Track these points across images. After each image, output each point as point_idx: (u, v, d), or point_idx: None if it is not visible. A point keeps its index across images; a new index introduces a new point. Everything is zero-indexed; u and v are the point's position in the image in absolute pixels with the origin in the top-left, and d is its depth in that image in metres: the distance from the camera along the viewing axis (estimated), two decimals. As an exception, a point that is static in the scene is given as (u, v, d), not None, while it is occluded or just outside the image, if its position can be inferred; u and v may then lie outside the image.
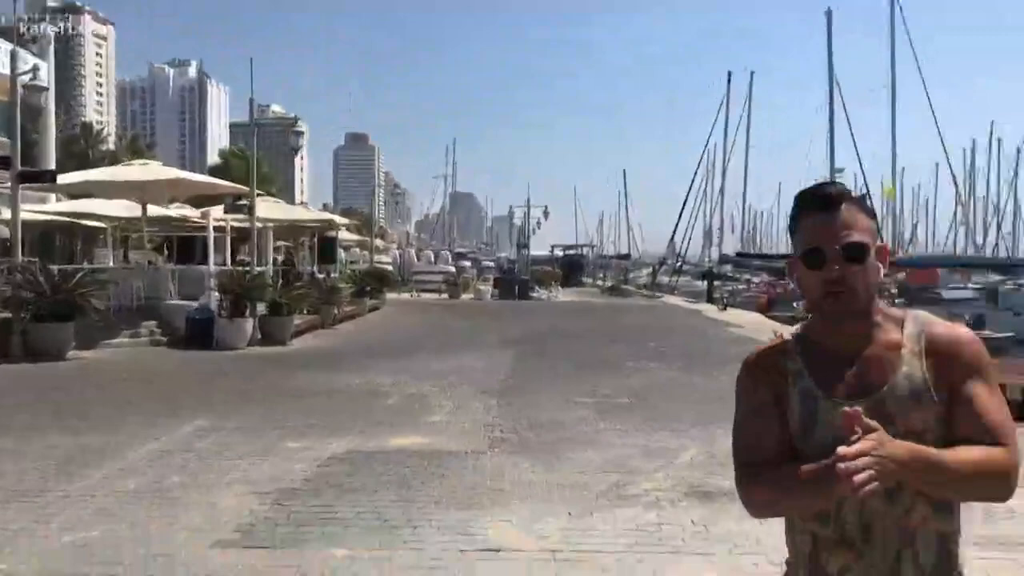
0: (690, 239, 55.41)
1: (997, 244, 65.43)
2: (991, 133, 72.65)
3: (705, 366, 12.87)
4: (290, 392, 10.65)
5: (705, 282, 39.83)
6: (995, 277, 37.34)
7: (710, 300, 33.96)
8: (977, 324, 25.54)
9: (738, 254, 51.92)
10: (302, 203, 42.23)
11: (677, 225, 54.43)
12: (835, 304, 1.58)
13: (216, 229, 20.54)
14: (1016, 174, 69.84)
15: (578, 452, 7.31)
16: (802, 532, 1.63)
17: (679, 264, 53.97)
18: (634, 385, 11.33)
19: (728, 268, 47.70)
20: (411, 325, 21.97)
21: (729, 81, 53.42)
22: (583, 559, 4.62)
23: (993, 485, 1.53)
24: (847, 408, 1.44)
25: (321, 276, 24.06)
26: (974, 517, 5.22)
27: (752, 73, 53.15)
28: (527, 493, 5.99)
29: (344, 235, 34.59)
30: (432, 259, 49.40)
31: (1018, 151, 70.00)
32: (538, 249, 59.98)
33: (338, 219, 30.59)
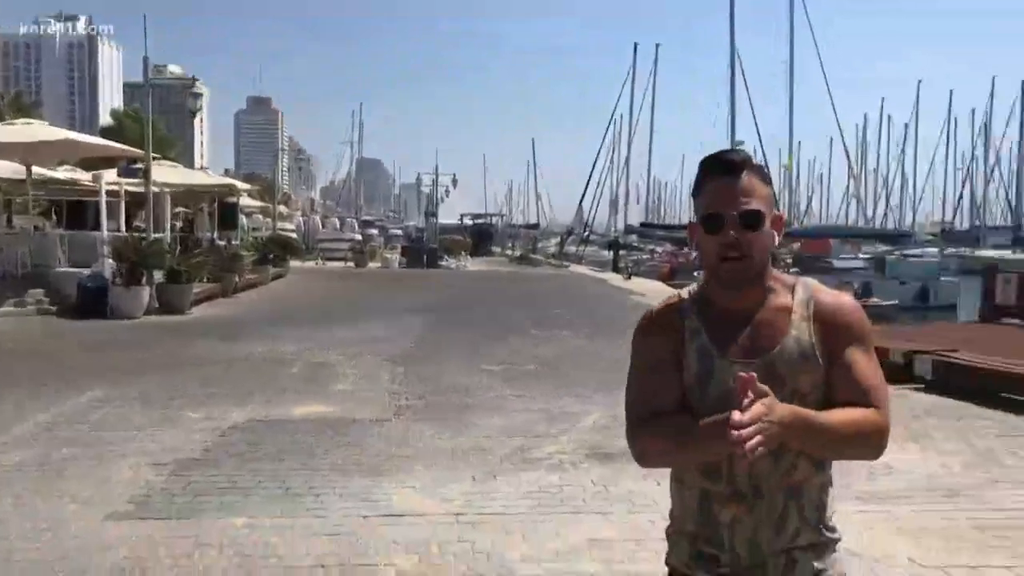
0: (597, 209, 56.20)
1: (886, 216, 68.63)
2: (881, 110, 75.78)
3: (609, 333, 13.12)
4: (190, 361, 10.37)
5: (611, 252, 40.54)
6: (883, 247, 39.15)
7: (615, 269, 34.54)
8: (865, 292, 26.83)
9: (642, 224, 52.95)
10: (202, 168, 40.75)
11: (584, 195, 55.09)
12: (730, 268, 1.63)
13: (109, 194, 19.64)
14: (903, 150, 73.19)
15: (483, 418, 7.37)
16: (691, 487, 1.69)
17: (586, 234, 54.67)
18: (540, 352, 11.47)
19: (633, 238, 48.65)
20: (316, 294, 21.64)
21: (635, 53, 54.09)
22: (486, 521, 4.69)
23: (867, 445, 1.63)
24: (742, 373, 1.48)
25: (222, 243, 23.40)
26: (857, 474, 5.52)
27: (658, 46, 53.93)
28: (432, 459, 6.02)
29: (246, 201, 33.62)
30: (338, 226, 48.64)
31: (905, 127, 73.31)
32: (447, 218, 59.79)
33: (239, 184, 29.71)
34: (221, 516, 4.72)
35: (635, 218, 58.20)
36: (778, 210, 1.73)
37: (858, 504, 5.02)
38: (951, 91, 73.90)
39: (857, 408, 1.59)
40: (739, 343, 1.65)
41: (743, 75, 44.34)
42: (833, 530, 1.72)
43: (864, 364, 1.64)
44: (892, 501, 5.11)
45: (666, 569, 1.80)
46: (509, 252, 52.50)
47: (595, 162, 54.53)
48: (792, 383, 1.59)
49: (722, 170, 1.65)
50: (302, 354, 10.94)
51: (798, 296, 1.68)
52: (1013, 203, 65.52)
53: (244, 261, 21.33)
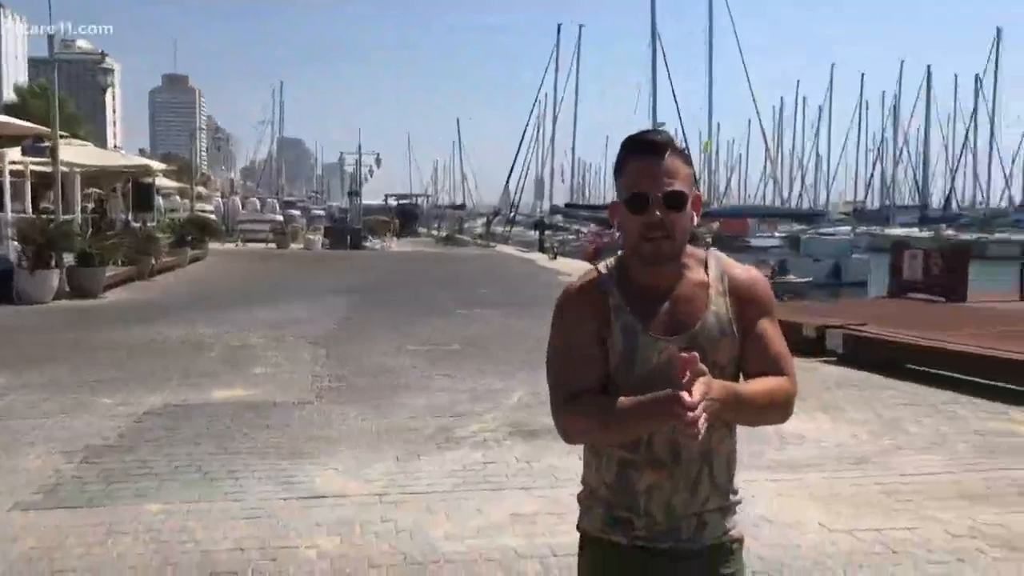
0: (523, 190, 56.33)
1: (801, 196, 70.58)
2: (797, 92, 77.63)
3: (535, 312, 13.17)
4: (103, 346, 10.03)
5: (537, 232, 40.71)
6: (798, 227, 40.28)
7: (541, 249, 34.74)
8: (781, 270, 27.57)
9: (567, 205, 53.30)
10: (115, 148, 39.26)
11: (510, 175, 55.16)
12: (653, 248, 1.67)
13: (13, 174, 18.76)
14: (818, 131, 75.35)
15: (408, 398, 7.34)
16: (609, 456, 1.73)
17: (512, 215, 54.78)
18: (466, 332, 11.47)
19: (559, 218, 48.94)
20: (236, 276, 21.16)
21: (559, 33, 54.26)
22: (409, 500, 4.69)
23: (779, 411, 1.71)
24: (683, 354, 1.50)
25: (137, 225, 22.65)
26: (770, 443, 5.70)
27: (581, 27, 54.20)
28: (355, 440, 5.97)
29: (163, 182, 32.62)
30: (259, 207, 47.55)
31: (820, 110, 75.48)
32: (371, 198, 59.10)
33: (155, 164, 28.70)
34: (135, 502, 4.60)
35: (560, 199, 58.54)
36: (697, 190, 1.77)
37: (771, 473, 5.20)
38: (863, 74, 76.39)
39: (771, 377, 1.67)
40: (661, 319, 1.69)
41: (664, 58, 44.97)
42: (736, 493, 1.80)
43: (773, 335, 1.73)
44: (804, 469, 5.30)
45: (577, 535, 1.83)
46: (435, 233, 52.25)
47: (520, 143, 54.61)
48: (712, 356, 1.64)
49: (646, 151, 1.68)
50: (221, 337, 10.70)
51: (712, 271, 1.74)
52: (920, 183, 68.24)
53: (160, 243, 20.70)
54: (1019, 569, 3.77)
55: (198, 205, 39.00)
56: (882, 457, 5.59)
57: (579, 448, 1.84)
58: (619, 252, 1.82)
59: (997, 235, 41.38)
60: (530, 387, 7.65)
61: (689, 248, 1.75)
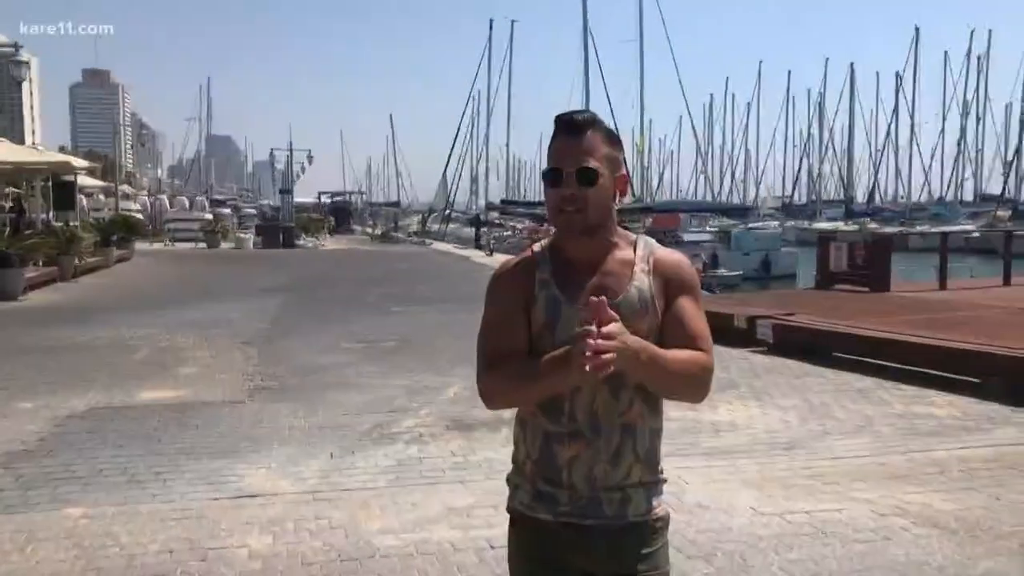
0: (458, 187, 56.20)
1: (731, 191, 72.02)
2: (726, 89, 79.21)
3: (470, 307, 13.06)
4: (22, 349, 9.66)
5: (473, 229, 40.67)
6: (728, 221, 41.09)
7: (478, 246, 34.69)
8: (713, 263, 28.12)
9: (503, 201, 53.39)
10: (34, 145, 37.80)
11: (445, 172, 54.98)
12: (566, 220, 1.76)
13: (-77, 172, 18.00)
14: (747, 128, 76.94)
15: (342, 395, 7.25)
16: (534, 430, 1.79)
17: (448, 211, 54.62)
18: (401, 329, 11.38)
19: (495, 215, 48.98)
20: (164, 276, 20.63)
21: (491, 28, 54.26)
22: (343, 497, 4.62)
23: (696, 384, 1.76)
24: (594, 298, 1.57)
25: (59, 225, 21.88)
26: (704, 432, 5.78)
27: (513, 22, 54.25)
28: (287, 438, 5.87)
29: (86, 181, 31.56)
30: (187, 206, 46.52)
31: (748, 106, 77.07)
32: (304, 196, 58.18)
33: (75, 161, 27.72)
34: (56, 508, 4.44)
35: (496, 195, 58.65)
36: (624, 171, 1.84)
37: (705, 460, 5.27)
38: (789, 71, 78.17)
39: (690, 350, 1.73)
40: (585, 291, 1.74)
41: (596, 55, 45.36)
42: (661, 472, 1.85)
43: (694, 313, 1.79)
44: (736, 455, 5.39)
45: (508, 516, 1.86)
46: (370, 231, 51.77)
47: (455, 139, 54.47)
48: (632, 327, 1.68)
49: (567, 129, 1.77)
50: (149, 338, 10.41)
51: (639, 251, 1.82)
52: (845, 178, 70.23)
53: (84, 243, 20.03)
54: (940, 544, 3.89)
55: (124, 204, 37.98)
56: (811, 441, 5.72)
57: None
58: None
59: (918, 228, 42.82)
60: (467, 382, 7.63)
61: (621, 231, 1.84)
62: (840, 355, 8.85)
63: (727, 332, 10.26)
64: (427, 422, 6.28)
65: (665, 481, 1.86)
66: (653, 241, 1.87)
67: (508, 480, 1.88)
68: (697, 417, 6.39)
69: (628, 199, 1.91)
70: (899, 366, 8.07)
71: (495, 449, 5.43)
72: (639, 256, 1.81)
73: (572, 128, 1.76)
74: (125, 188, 46.28)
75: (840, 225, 48.21)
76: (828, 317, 10.05)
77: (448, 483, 4.86)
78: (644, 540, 1.78)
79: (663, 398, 1.81)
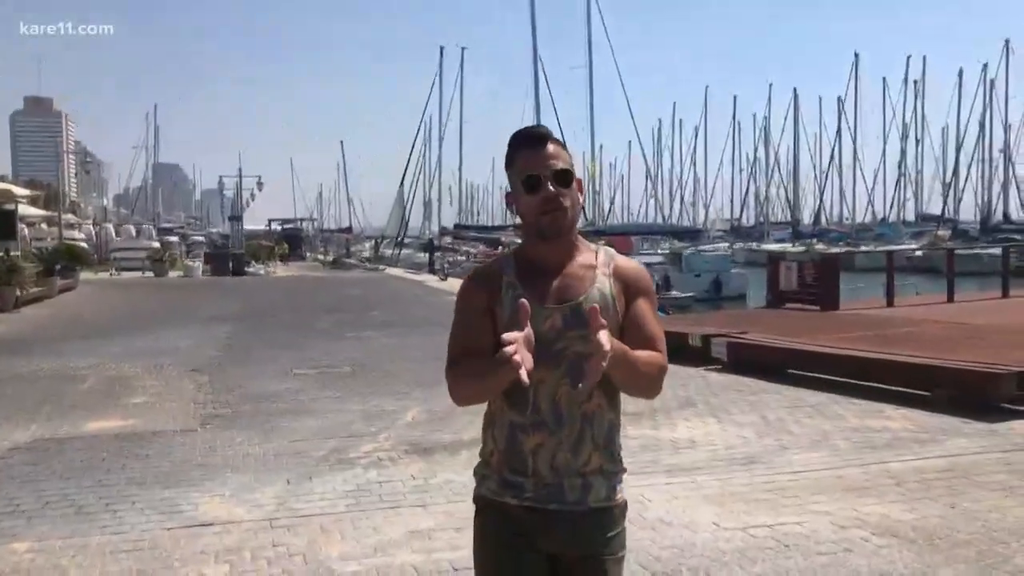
0: (410, 212, 56.06)
1: (681, 214, 73.02)
2: (674, 114, 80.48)
3: (425, 331, 13.09)
4: (-39, 382, 9.32)
5: (426, 253, 40.57)
6: (679, 244, 41.60)
7: (432, 271, 34.59)
8: (665, 285, 28.41)
9: (456, 226, 53.41)
10: (-28, 174, 36.93)
11: (400, 196, 54.82)
12: (551, 220, 1.87)
13: None
14: (695, 151, 78.26)
15: (296, 422, 7.12)
16: (501, 423, 1.90)
17: (401, 237, 54.42)
18: (356, 354, 11.25)
19: (448, 240, 48.94)
20: (111, 305, 20.16)
21: (441, 55, 54.53)
22: (301, 523, 4.51)
23: (655, 382, 1.88)
24: (594, 305, 1.69)
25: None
26: (664, 449, 5.79)
27: (463, 49, 54.63)
28: (242, 465, 5.73)
29: (27, 210, 30.76)
30: (134, 234, 45.62)
31: (695, 131, 78.44)
32: (254, 223, 57.64)
33: (15, 189, 27.10)
34: (0, 543, 4.25)
35: (449, 220, 58.65)
36: (577, 175, 1.96)
37: (666, 477, 5.28)
38: (735, 96, 79.82)
39: (649, 351, 1.85)
40: (549, 292, 1.88)
41: (547, 82, 45.80)
42: (620, 462, 1.96)
43: (651, 317, 1.93)
44: (696, 472, 5.40)
45: (475, 507, 1.96)
46: (321, 257, 51.32)
47: (407, 165, 54.44)
48: (609, 318, 1.80)
49: (532, 141, 1.92)
50: (96, 368, 10.14)
51: (600, 257, 1.95)
52: (792, 200, 71.66)
53: (25, 273, 19.51)
54: (901, 554, 3.92)
55: (68, 233, 37.08)
56: (769, 457, 5.76)
57: (476, 461, 2.00)
58: None
59: (863, 248, 43.79)
60: (424, 405, 7.57)
61: (582, 239, 1.97)
62: (794, 371, 8.96)
63: (682, 351, 10.34)
64: (385, 446, 6.19)
65: (625, 471, 1.96)
66: (612, 250, 1.99)
67: (475, 472, 1.98)
68: (657, 435, 6.41)
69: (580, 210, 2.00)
70: (852, 381, 8.20)
71: (456, 471, 5.37)
72: (601, 261, 1.94)
73: (536, 140, 1.91)
74: (69, 217, 45.21)
75: (788, 246, 49.09)
76: (780, 335, 10.20)
77: (409, 507, 4.78)
78: (605, 525, 1.89)
79: (623, 392, 1.91)
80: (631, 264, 1.98)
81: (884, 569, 3.74)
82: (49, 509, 4.82)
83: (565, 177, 1.88)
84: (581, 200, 1.93)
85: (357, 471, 5.54)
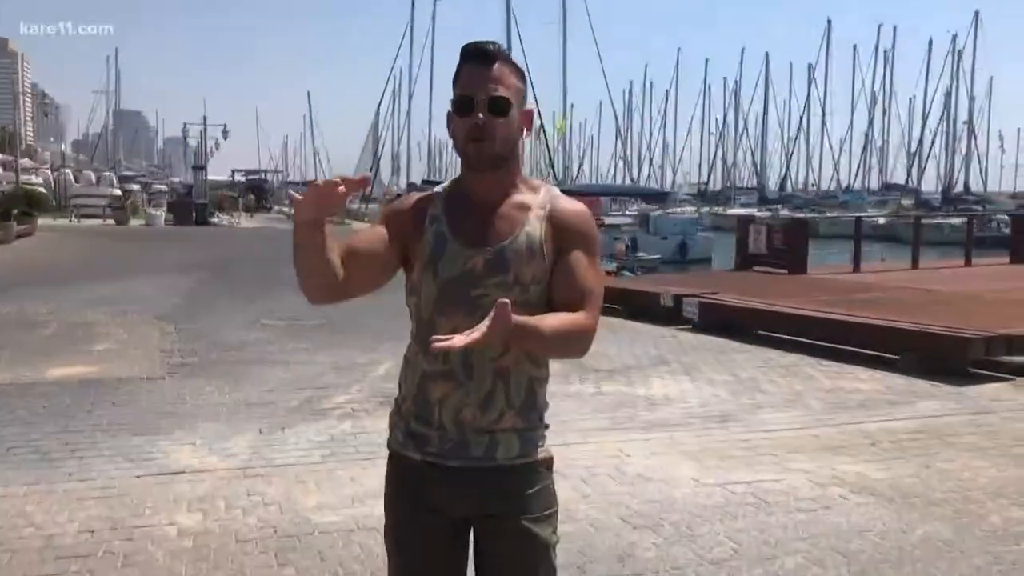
0: (379, 165, 55.44)
1: (649, 176, 73.09)
2: (645, 76, 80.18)
3: (395, 287, 12.95)
4: (-85, 325, 9.05)
5: (393, 209, 40.04)
6: (646, 206, 41.64)
7: (398, 226, 34.23)
8: (633, 247, 28.45)
9: (424, 181, 52.87)
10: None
11: (364, 151, 54.10)
12: (476, 150, 1.70)
13: None
14: (665, 114, 78.15)
15: (267, 371, 7.01)
16: (413, 371, 1.78)
17: (369, 191, 53.81)
18: (324, 307, 11.07)
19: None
20: (72, 251, 19.71)
21: (413, 6, 53.51)
22: (275, 473, 4.43)
23: (574, 348, 1.71)
24: (503, 300, 1.49)
25: (-48, 197, 20.68)
26: (640, 405, 5.79)
27: (435, 1, 53.61)
28: (213, 414, 5.62)
29: (-19, 152, 29.93)
30: (94, 181, 44.58)
31: (667, 93, 78.26)
32: (217, 174, 56.59)
33: (-28, 131, 26.32)
34: (-38, 489, 4.12)
35: (417, 175, 58.07)
36: (529, 106, 1.79)
37: (643, 433, 5.27)
38: (707, 59, 79.67)
39: (569, 314, 1.66)
40: (474, 231, 1.72)
41: (519, 38, 45.18)
42: (541, 420, 1.80)
43: (585, 268, 1.73)
44: (673, 428, 5.40)
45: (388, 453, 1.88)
46: (287, 210, 50.58)
47: (376, 118, 53.67)
48: (516, 272, 1.68)
49: (476, 57, 1.72)
50: (56, 313, 9.89)
51: (540, 197, 1.77)
52: (759, 166, 72.05)
53: (-20, 217, 19.00)
54: (879, 512, 3.94)
55: (25, 178, 36.12)
56: (744, 415, 5.78)
57: None
58: None
59: (827, 214, 44.21)
60: (396, 359, 7.40)
61: (526, 177, 1.80)
62: (763, 333, 9.01)
63: (652, 310, 10.37)
64: (358, 398, 6.11)
65: (547, 427, 1.80)
66: (557, 191, 1.82)
67: (389, 418, 1.88)
68: (632, 392, 6.40)
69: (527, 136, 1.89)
70: (822, 343, 8.27)
71: (431, 424, 5.31)
72: (538, 202, 1.76)
73: (482, 57, 1.71)
74: (26, 162, 44.04)
75: (754, 212, 49.43)
76: (750, 296, 10.25)
77: (385, 458, 4.70)
78: (520, 483, 1.74)
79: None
80: (573, 208, 1.77)
81: (864, 526, 3.76)
82: (11, 455, 4.68)
83: (499, 105, 1.68)
84: (525, 134, 1.77)
85: (331, 422, 5.45)
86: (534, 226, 1.72)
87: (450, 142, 1.78)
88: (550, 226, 1.73)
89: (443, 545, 1.77)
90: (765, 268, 14.65)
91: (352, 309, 11.14)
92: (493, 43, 1.74)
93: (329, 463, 4.61)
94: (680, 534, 3.65)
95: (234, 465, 4.54)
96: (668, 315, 10.08)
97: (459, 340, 1.47)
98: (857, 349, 7.92)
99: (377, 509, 3.88)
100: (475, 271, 1.68)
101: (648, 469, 4.52)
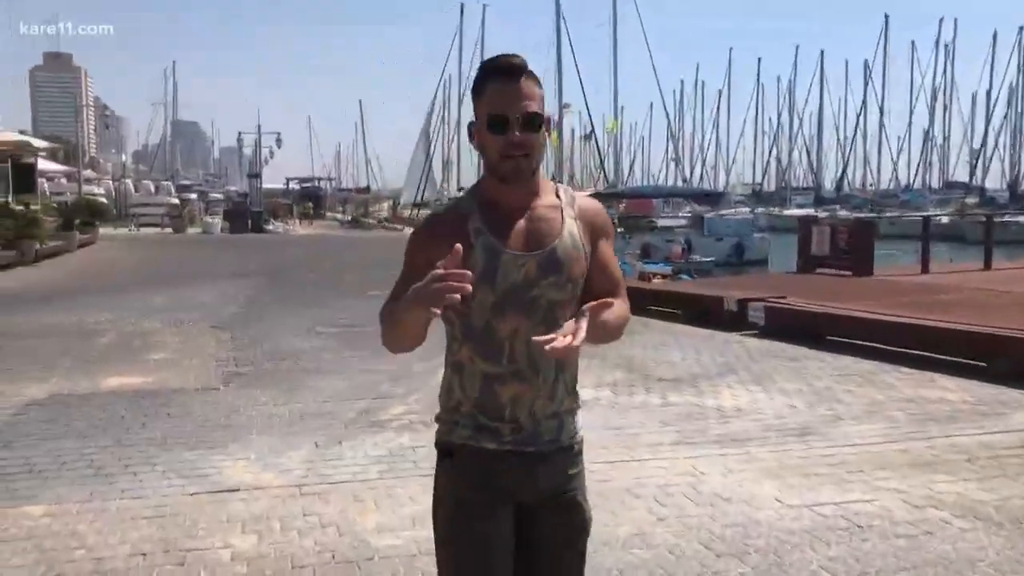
0: (427, 173, 55.58)
1: (702, 177, 72.11)
2: (697, 76, 79.27)
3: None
4: (-22, 335, 9.12)
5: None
6: (700, 207, 40.96)
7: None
8: (688, 249, 27.95)
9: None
10: (-9, 128, 36.67)
11: (414, 158, 54.28)
12: (513, 166, 1.74)
13: None
14: (718, 115, 77.07)
15: (323, 382, 6.86)
16: (471, 375, 1.79)
17: (421, 198, 54.00)
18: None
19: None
20: (131, 260, 20.00)
21: (462, 14, 53.61)
22: (332, 490, 4.23)
23: (620, 333, 1.83)
24: (591, 305, 1.62)
25: (19, 208, 21.13)
26: (712, 418, 5.47)
27: (484, 6, 53.66)
28: (267, 427, 5.46)
29: (47, 165, 30.69)
30: (153, 191, 45.49)
31: (719, 93, 77.19)
32: (272, 182, 57.30)
33: (34, 142, 26.93)
34: (14, 505, 4.00)
35: (468, 180, 58.07)
36: (547, 111, 1.83)
37: (718, 448, 4.96)
38: (759, 59, 78.52)
39: (617, 302, 1.77)
40: (520, 238, 1.77)
41: (570, 40, 44.90)
42: (578, 395, 1.90)
43: (614, 261, 1.90)
44: (748, 442, 5.08)
45: (440, 453, 1.86)
46: (340, 216, 51.07)
47: (428, 124, 53.84)
48: (568, 271, 1.77)
49: (504, 74, 1.75)
50: (114, 322, 9.92)
51: (563, 198, 1.84)
52: (814, 165, 70.55)
53: (45, 227, 19.35)
54: (988, 538, 3.59)
55: (88, 189, 36.96)
56: (824, 427, 5.43)
57: None
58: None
59: (887, 214, 43.04)
60: (453, 366, 7.28)
61: (540, 176, 1.83)
62: (834, 338, 8.60)
63: (714, 315, 10.02)
64: (416, 409, 5.91)
65: (581, 405, 1.91)
66: (569, 188, 1.91)
67: (439, 420, 1.88)
68: (701, 403, 6.10)
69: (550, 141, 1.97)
70: (897, 349, 7.84)
71: (492, 437, 5.08)
72: (564, 201, 1.83)
73: (509, 72, 1.74)
74: (88, 173, 45.10)
75: (811, 211, 48.33)
76: (816, 300, 9.82)
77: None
78: (571, 462, 1.86)
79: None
80: (591, 204, 1.89)
81: (973, 555, 3.41)
82: (66, 470, 4.57)
83: (534, 121, 1.73)
84: (547, 138, 1.81)
85: (388, 435, 5.25)
86: (571, 226, 1.80)
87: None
88: (582, 223, 1.82)
89: (509, 529, 1.81)
90: (829, 270, 14.15)
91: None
92: (516, 56, 1.77)
93: (387, 479, 4.40)
94: (768, 562, 3.35)
95: (289, 482, 4.36)
96: (732, 320, 9.72)
97: (562, 341, 1.56)
98: (939, 356, 7.47)
99: (439, 531, 3.66)
100: (530, 275, 1.75)
101: (726, 488, 4.22)
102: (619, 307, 1.77)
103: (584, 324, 1.59)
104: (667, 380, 6.82)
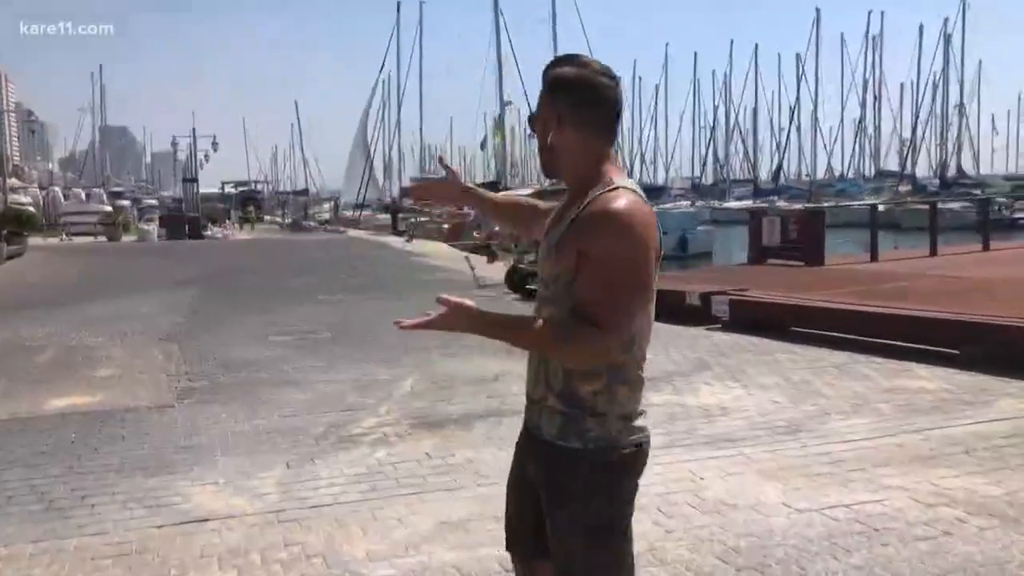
0: (370, 173, 54.84)
1: (642, 172, 72.64)
2: (634, 72, 79.76)
3: (400, 294, 12.49)
4: (-97, 357, 8.50)
5: (388, 215, 39.61)
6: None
7: (396, 232, 33.78)
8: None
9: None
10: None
11: (353, 159, 53.52)
12: (541, 163, 1.94)
13: None
14: (655, 109, 77.77)
15: (284, 394, 6.50)
16: (634, 382, 1.88)
17: (362, 199, 53.22)
18: (333, 319, 10.60)
19: (409, 200, 47.96)
20: (65, 271, 19.14)
21: (398, 12, 53.03)
22: (313, 516, 3.92)
23: (547, 352, 1.84)
24: (442, 296, 1.78)
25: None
26: (696, 417, 5.27)
27: (422, 4, 53.13)
28: (232, 446, 5.11)
29: (-33, 173, 29.30)
30: (84, 198, 43.94)
31: (656, 88, 77.84)
32: (207, 187, 55.91)
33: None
34: (-42, 550, 3.61)
35: (409, 181, 57.49)
36: (556, 110, 1.84)
37: (710, 450, 4.79)
38: (695, 53, 79.30)
39: (540, 323, 1.77)
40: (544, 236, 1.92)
41: (509, 37, 44.77)
42: (582, 409, 1.82)
43: (589, 275, 1.74)
44: (740, 443, 4.91)
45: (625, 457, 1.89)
46: (279, 220, 50.08)
47: (365, 123, 53.13)
48: (544, 272, 1.86)
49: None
50: (53, 337, 9.36)
51: (587, 199, 1.80)
52: (752, 158, 71.66)
53: (-31, 238, 18.43)
54: (1009, 536, 3.46)
55: (13, 198, 35.51)
56: (812, 424, 5.29)
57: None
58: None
59: (824, 204, 43.85)
60: (420, 372, 7.00)
61: (610, 179, 1.80)
62: (798, 329, 8.54)
63: (676, 309, 9.89)
64: (388, 420, 5.61)
65: (585, 420, 1.86)
66: (612, 194, 1.77)
67: (626, 427, 1.86)
68: (682, 401, 5.92)
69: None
70: (865, 339, 7.79)
71: (475, 448, 4.82)
72: (583, 204, 1.81)
73: (543, 78, 1.88)
74: (13, 181, 43.35)
75: (748, 203, 48.97)
76: (774, 291, 9.77)
77: (433, 492, 4.21)
78: (559, 467, 1.88)
79: None
80: (593, 210, 1.75)
81: (1000, 556, 3.27)
82: (13, 505, 4.17)
83: (530, 123, 1.91)
84: (565, 133, 1.83)
85: (364, 450, 4.95)
86: (563, 227, 1.81)
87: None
88: (573, 227, 1.78)
89: None
90: (780, 261, 14.20)
91: (360, 320, 10.67)
92: (555, 62, 1.87)
93: (371, 500, 4.11)
94: (792, 574, 3.17)
95: (264, 508, 4.04)
96: (694, 314, 9.61)
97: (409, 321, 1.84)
98: (909, 344, 7.44)
99: (435, 557, 3.39)
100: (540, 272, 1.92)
101: (729, 494, 4.03)
102: (533, 331, 1.76)
103: (435, 313, 1.77)
104: (645, 378, 6.63)
